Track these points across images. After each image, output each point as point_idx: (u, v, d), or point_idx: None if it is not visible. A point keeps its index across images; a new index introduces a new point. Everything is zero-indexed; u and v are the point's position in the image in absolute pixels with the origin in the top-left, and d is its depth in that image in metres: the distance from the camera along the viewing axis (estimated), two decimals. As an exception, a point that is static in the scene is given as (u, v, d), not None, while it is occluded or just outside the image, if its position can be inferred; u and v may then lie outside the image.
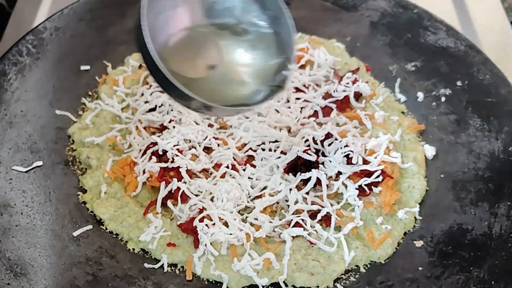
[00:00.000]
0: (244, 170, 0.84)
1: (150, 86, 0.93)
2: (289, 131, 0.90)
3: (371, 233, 0.79)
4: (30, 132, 0.87)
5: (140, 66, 0.97)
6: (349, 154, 0.84)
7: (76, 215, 0.80)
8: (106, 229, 0.79)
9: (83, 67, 0.96)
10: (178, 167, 0.82)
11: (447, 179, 0.86)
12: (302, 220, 0.79)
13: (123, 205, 0.81)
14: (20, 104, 0.89)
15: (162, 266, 0.76)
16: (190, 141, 0.86)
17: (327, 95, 0.94)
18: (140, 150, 0.85)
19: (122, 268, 0.76)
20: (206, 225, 0.77)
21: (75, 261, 0.75)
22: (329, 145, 0.86)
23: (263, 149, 0.86)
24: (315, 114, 0.92)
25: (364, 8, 1.07)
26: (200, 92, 0.67)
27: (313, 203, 0.81)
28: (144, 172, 0.82)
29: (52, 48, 0.96)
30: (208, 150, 0.87)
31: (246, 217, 0.80)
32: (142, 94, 0.93)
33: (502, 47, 1.11)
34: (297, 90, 0.94)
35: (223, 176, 0.84)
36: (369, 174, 0.83)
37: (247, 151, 0.86)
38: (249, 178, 0.84)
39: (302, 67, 0.98)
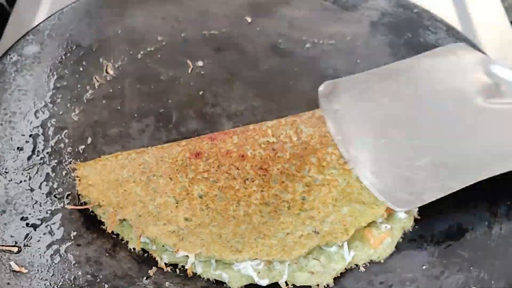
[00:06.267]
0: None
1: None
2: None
3: (370, 232, 0.79)
4: (30, 132, 0.87)
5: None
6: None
7: (76, 215, 0.80)
8: (106, 229, 0.79)
9: (83, 67, 0.96)
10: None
11: (447, 179, 0.86)
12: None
13: (124, 204, 0.81)
14: (20, 104, 0.89)
15: (162, 266, 0.76)
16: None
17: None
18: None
19: (122, 268, 0.76)
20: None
21: (75, 261, 0.75)
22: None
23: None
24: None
25: (364, 8, 1.07)
26: None
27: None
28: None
29: (52, 48, 0.96)
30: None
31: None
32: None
33: (502, 46, 1.12)
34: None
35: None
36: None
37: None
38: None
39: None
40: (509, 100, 0.81)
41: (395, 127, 0.81)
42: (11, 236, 0.76)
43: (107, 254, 0.77)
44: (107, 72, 0.97)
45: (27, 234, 0.76)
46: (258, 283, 0.75)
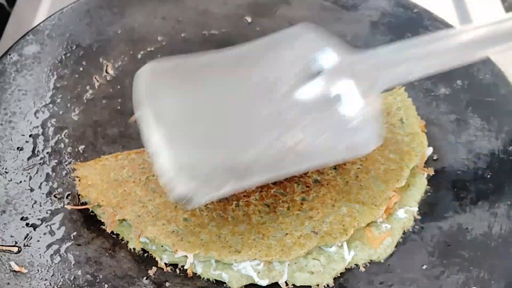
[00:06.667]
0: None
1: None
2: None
3: (370, 232, 0.79)
4: (30, 132, 0.87)
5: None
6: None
7: (76, 215, 0.80)
8: (106, 229, 0.79)
9: (83, 67, 0.96)
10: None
11: (447, 179, 0.86)
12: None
13: (124, 205, 0.81)
14: (20, 104, 0.89)
15: (162, 266, 0.76)
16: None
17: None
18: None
19: (122, 268, 0.76)
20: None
21: (75, 261, 0.75)
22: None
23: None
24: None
25: (364, 8, 1.07)
26: None
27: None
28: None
29: (52, 48, 0.96)
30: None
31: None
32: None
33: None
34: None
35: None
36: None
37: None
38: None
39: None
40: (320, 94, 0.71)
41: (198, 121, 0.70)
42: (11, 236, 0.76)
43: (107, 254, 0.77)
44: (107, 72, 0.97)
45: (27, 234, 0.76)
46: (258, 283, 0.75)
